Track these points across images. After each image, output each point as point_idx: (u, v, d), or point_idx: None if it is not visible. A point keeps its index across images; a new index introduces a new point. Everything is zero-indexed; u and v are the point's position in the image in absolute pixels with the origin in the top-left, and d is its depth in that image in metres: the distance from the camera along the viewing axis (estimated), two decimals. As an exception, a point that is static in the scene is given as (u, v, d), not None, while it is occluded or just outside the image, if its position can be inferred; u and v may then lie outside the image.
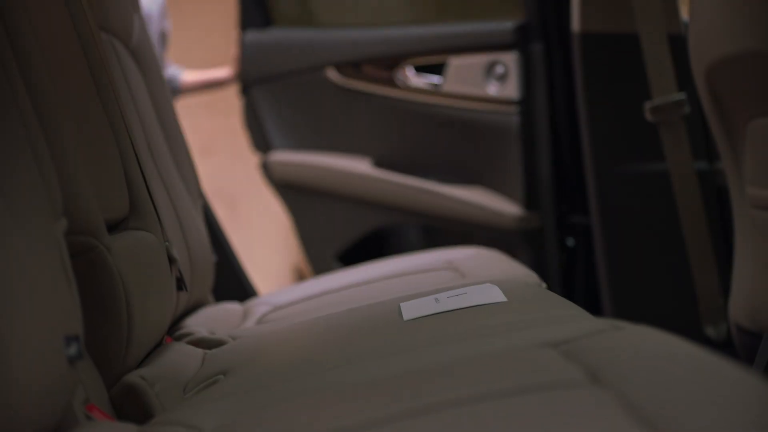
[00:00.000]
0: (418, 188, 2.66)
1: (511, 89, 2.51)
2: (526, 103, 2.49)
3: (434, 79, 2.64)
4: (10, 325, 0.78)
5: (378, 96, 2.69)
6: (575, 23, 2.26)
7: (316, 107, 2.82)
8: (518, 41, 2.50)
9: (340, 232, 2.84)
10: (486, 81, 2.57)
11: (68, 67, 1.23)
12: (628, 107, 2.24)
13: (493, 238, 2.55)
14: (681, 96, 2.08)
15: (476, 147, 2.61)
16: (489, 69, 2.56)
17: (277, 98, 2.85)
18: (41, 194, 0.90)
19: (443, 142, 2.67)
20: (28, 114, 0.93)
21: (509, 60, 2.51)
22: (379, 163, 2.72)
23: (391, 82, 2.66)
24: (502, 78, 2.53)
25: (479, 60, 2.56)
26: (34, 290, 0.84)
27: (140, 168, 1.35)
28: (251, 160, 5.85)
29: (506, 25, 2.51)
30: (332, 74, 2.72)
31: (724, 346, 2.07)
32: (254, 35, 2.87)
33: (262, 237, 5.94)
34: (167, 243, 1.36)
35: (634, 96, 2.19)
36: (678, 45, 2.09)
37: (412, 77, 2.65)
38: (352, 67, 2.72)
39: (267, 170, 2.89)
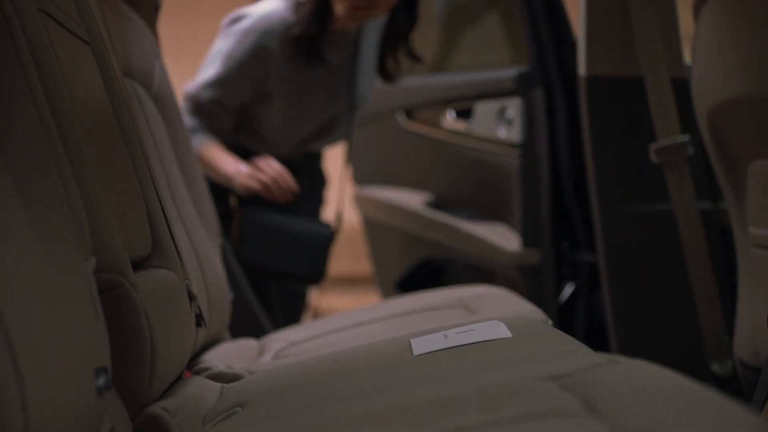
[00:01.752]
0: (444, 223, 2.80)
1: (517, 132, 2.60)
2: (527, 145, 2.56)
3: (467, 122, 2.80)
4: (43, 356, 0.83)
5: (427, 137, 2.91)
6: (581, 67, 2.29)
7: (390, 147, 3.09)
8: (520, 87, 2.57)
9: (396, 261, 3.07)
10: (498, 125, 2.65)
11: (95, 112, 1.29)
12: (633, 149, 2.26)
13: (523, 274, 2.62)
14: (685, 138, 2.11)
15: (493, 186, 2.70)
16: (500, 114, 2.64)
17: (366, 138, 3.11)
18: (73, 235, 0.96)
19: (471, 180, 2.82)
20: (61, 159, 0.99)
21: (516, 105, 2.59)
22: (430, 197, 2.94)
23: (437, 125, 2.87)
24: (510, 122, 2.61)
25: (495, 105, 2.67)
26: (66, 324, 0.89)
27: (162, 209, 1.40)
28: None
29: (510, 72, 2.60)
30: (400, 117, 2.97)
31: (730, 382, 2.09)
32: None
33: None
34: (187, 281, 1.41)
35: (639, 138, 2.22)
36: (681, 88, 2.12)
37: (451, 121, 2.81)
38: (410, 110, 2.98)
39: (355, 203, 3.21)
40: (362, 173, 3.20)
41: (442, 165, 2.89)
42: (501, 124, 2.64)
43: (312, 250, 2.41)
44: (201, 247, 1.72)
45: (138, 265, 1.28)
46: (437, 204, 2.89)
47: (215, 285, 1.74)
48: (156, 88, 1.80)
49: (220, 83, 2.35)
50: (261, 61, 2.32)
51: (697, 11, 1.78)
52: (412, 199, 2.94)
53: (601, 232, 2.30)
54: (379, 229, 3.15)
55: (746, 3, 1.64)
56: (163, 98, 1.83)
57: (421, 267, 2.98)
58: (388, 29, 2.38)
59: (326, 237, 2.46)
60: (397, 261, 3.06)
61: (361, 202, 3.19)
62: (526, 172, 2.56)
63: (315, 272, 2.46)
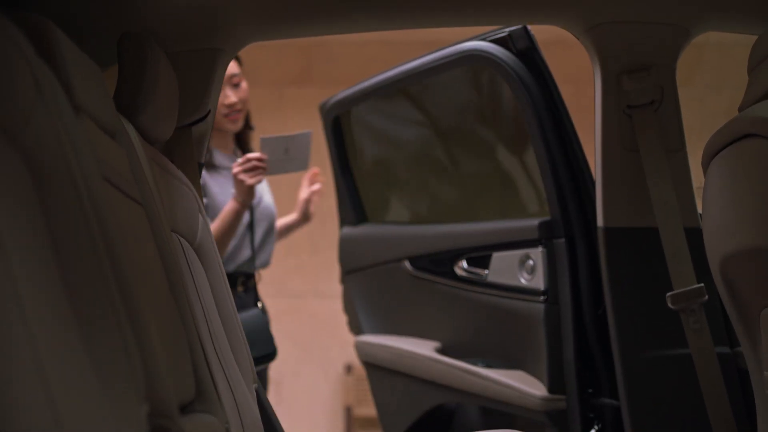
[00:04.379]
0: (463, 369, 2.80)
1: (540, 280, 2.63)
2: (550, 292, 2.60)
3: (482, 270, 2.81)
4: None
5: (438, 285, 2.90)
6: (599, 218, 2.35)
7: (394, 295, 3.06)
8: (543, 237, 2.62)
9: (404, 408, 3.03)
10: (519, 273, 2.70)
11: (147, 267, 1.40)
12: (650, 296, 2.30)
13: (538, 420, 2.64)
14: (699, 285, 2.17)
15: (513, 333, 2.73)
16: (522, 262, 2.69)
17: (366, 286, 3.11)
18: (129, 382, 1.06)
19: (488, 328, 2.82)
20: (120, 311, 1.09)
21: (537, 254, 2.64)
22: (439, 346, 2.92)
23: (451, 273, 2.87)
24: (532, 270, 2.66)
25: (515, 254, 2.70)
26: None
27: (204, 357, 1.50)
28: (296, 339, 5.98)
29: (532, 222, 2.65)
30: (407, 265, 2.97)
31: None
32: (348, 230, 3.20)
33: (307, 416, 6.00)
34: (227, 425, 1.50)
35: (656, 285, 2.27)
36: (696, 237, 2.16)
37: (464, 269, 2.84)
38: (420, 259, 2.97)
39: (356, 350, 3.18)
40: (366, 322, 3.17)
41: (454, 313, 2.88)
42: (522, 272, 2.69)
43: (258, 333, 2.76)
44: (239, 391, 1.81)
45: (183, 409, 1.37)
46: (447, 352, 2.89)
47: (252, 427, 1.82)
48: (199, 241, 1.92)
49: None
50: None
51: (705, 165, 1.86)
52: (422, 346, 2.94)
53: (621, 377, 2.33)
54: (385, 376, 3.11)
55: (750, 159, 1.72)
56: (205, 250, 1.95)
57: (430, 414, 2.95)
58: None
59: (260, 317, 2.84)
60: (405, 408, 3.01)
61: (364, 348, 3.15)
62: (551, 319, 2.58)
63: (270, 350, 2.82)
